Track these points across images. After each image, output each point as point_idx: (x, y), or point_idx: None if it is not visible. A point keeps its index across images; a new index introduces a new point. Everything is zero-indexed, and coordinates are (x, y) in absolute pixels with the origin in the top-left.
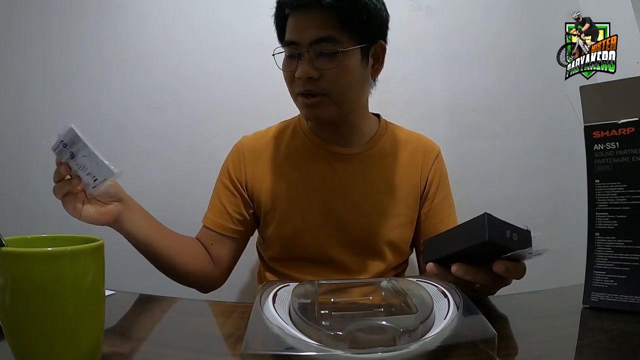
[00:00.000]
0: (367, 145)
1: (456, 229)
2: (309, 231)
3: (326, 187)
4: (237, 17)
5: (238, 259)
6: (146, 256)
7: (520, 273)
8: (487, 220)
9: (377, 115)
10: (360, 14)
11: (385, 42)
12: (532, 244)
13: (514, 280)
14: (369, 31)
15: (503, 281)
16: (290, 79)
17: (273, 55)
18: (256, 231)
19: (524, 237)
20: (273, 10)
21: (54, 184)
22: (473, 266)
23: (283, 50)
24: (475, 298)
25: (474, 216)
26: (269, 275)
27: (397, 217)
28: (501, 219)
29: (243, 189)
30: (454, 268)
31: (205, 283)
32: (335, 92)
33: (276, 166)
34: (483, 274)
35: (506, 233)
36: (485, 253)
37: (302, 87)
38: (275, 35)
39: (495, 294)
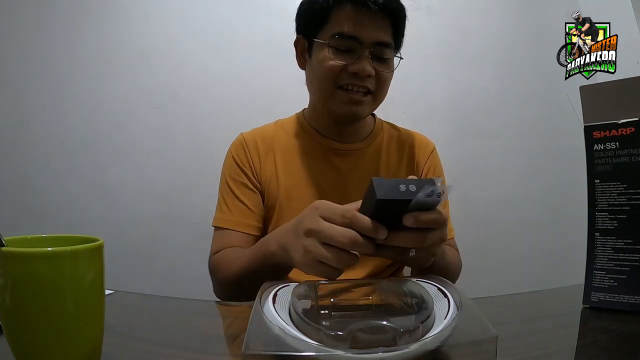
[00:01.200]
0: (364, 142)
1: (362, 201)
2: None
3: (324, 183)
4: (237, 17)
5: None
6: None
7: (435, 220)
8: (374, 183)
9: (372, 114)
10: (404, 27)
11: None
12: (436, 186)
13: (513, 280)
14: (401, 42)
15: (428, 239)
16: (335, 72)
17: (329, 45)
18: None
19: (427, 188)
20: (272, 9)
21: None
22: (393, 230)
23: (325, 42)
24: (425, 271)
25: (473, 216)
26: None
27: None
28: (394, 178)
29: (257, 181)
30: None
31: None
32: (379, 94)
33: (275, 162)
34: (405, 236)
35: (400, 187)
36: (398, 215)
37: (354, 80)
38: (272, 33)
39: (495, 294)
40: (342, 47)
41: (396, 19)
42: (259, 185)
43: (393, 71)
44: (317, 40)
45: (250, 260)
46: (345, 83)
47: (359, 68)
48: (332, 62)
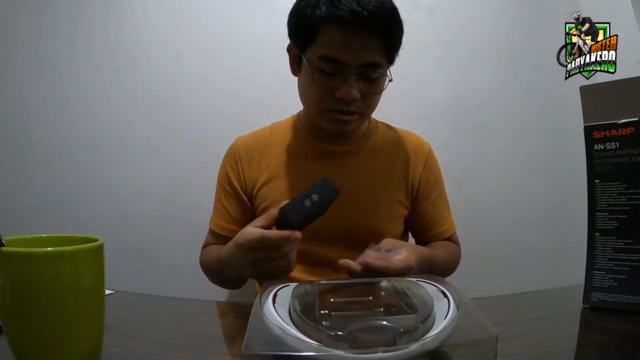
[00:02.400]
0: (359, 142)
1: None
2: None
3: None
4: (239, 17)
5: None
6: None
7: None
8: (287, 213)
9: None
10: (400, 41)
11: None
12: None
13: (513, 280)
14: (395, 57)
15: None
16: (322, 95)
17: (315, 68)
18: None
19: (325, 189)
20: (273, 8)
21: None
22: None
23: (311, 64)
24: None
25: (473, 216)
26: None
27: (388, 212)
28: (298, 194)
29: (242, 190)
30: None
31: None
32: (368, 112)
33: (270, 165)
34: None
35: (306, 203)
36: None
37: (339, 105)
38: (273, 32)
39: (495, 295)
40: (328, 70)
41: (389, 37)
42: (243, 194)
43: (381, 92)
44: (304, 58)
45: (218, 267)
46: (331, 108)
47: (344, 93)
48: (317, 87)
